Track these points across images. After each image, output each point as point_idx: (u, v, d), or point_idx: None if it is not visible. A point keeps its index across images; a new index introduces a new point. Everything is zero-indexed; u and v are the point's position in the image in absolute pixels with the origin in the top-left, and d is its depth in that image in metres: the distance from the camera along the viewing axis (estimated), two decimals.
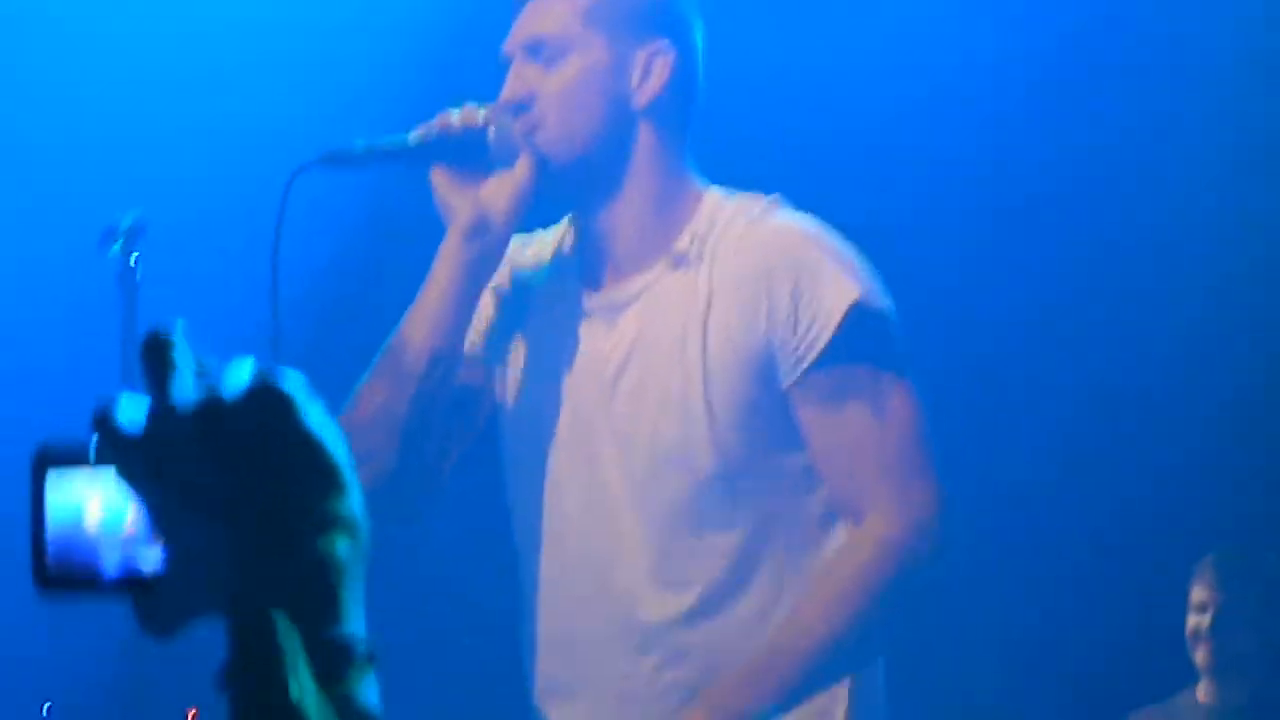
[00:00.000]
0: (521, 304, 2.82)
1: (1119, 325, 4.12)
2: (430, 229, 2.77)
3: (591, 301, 2.75)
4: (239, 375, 1.03)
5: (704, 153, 2.82)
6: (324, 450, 1.02)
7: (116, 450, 1.02)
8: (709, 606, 2.66)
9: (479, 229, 2.67)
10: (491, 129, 2.69)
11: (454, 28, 3.74)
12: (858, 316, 2.62)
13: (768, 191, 2.77)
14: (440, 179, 2.70)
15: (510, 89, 2.70)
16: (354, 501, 1.02)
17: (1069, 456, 4.08)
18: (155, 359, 1.03)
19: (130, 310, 2.92)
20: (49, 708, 2.95)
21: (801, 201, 2.80)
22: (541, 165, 2.67)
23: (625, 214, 2.71)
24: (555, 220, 2.85)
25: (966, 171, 4.00)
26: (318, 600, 0.99)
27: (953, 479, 2.69)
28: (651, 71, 2.70)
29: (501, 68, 2.74)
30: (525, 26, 2.71)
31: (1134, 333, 4.10)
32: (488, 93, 2.75)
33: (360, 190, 3.34)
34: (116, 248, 3.03)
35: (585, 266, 2.78)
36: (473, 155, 2.69)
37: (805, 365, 2.63)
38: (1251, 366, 4.12)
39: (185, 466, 1.00)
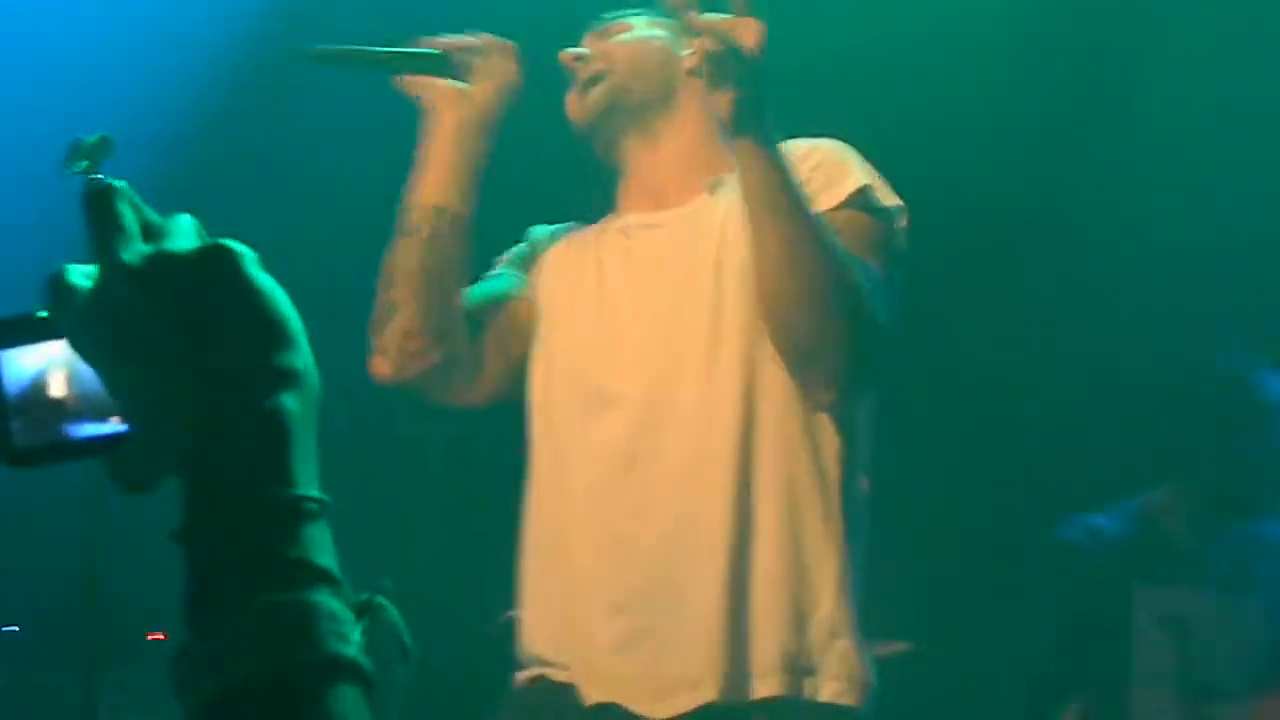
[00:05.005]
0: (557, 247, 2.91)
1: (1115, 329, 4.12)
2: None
3: (625, 222, 2.84)
4: (184, 232, 1.02)
5: None
6: (271, 303, 1.00)
7: (69, 312, 1.00)
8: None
9: (459, 99, 2.77)
10: (474, 56, 2.78)
11: None
12: (864, 196, 2.66)
13: None
14: (414, 79, 2.79)
15: (575, 50, 2.85)
16: (303, 356, 1.01)
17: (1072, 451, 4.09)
18: (100, 213, 1.01)
19: None
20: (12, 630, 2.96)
21: None
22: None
23: (669, 156, 2.82)
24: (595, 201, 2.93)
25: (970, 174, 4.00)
26: (267, 455, 0.97)
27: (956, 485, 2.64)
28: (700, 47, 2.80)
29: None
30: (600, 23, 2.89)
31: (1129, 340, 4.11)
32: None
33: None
34: (81, 165, 3.01)
35: (625, 201, 2.87)
36: (448, 74, 2.79)
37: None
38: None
39: (136, 323, 0.99)
